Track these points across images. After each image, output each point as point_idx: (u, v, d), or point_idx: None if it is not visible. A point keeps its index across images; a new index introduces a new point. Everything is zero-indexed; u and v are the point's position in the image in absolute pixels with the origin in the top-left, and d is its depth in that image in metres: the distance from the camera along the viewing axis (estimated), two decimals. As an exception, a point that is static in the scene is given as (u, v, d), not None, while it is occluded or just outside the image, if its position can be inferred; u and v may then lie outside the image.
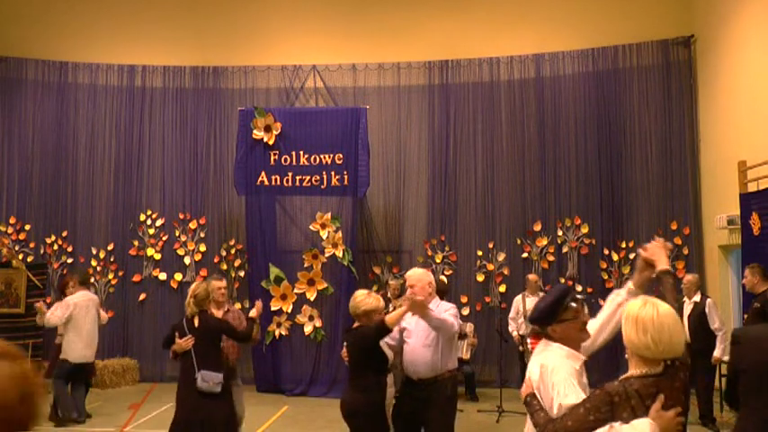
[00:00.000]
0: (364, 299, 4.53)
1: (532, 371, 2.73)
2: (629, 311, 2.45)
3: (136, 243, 10.82)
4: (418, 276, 4.68)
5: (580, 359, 2.78)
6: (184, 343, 5.26)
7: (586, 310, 2.87)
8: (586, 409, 2.39)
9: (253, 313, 5.82)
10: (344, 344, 4.69)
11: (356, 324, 4.55)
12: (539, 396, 2.66)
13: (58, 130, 10.99)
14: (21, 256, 10.43)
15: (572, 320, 2.78)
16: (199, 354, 5.24)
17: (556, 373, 2.62)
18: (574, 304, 2.78)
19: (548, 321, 2.80)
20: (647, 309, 2.42)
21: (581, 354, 2.80)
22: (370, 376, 4.41)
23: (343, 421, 4.50)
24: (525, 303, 8.79)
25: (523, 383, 2.79)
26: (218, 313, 5.95)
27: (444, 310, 4.60)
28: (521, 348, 8.70)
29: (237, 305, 8.45)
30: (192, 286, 5.48)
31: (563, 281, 10.16)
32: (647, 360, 2.39)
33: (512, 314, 9.05)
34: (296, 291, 9.90)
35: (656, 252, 2.98)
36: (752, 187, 7.98)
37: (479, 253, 10.43)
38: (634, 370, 2.42)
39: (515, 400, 8.76)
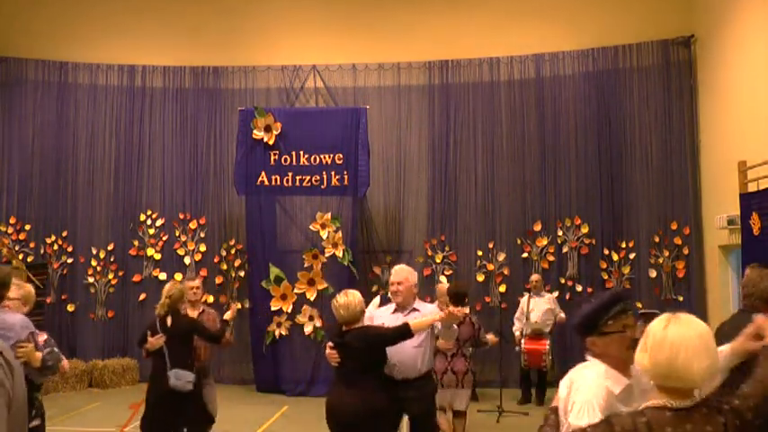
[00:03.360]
0: (356, 299, 4.42)
1: (562, 385, 2.43)
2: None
3: (136, 243, 10.82)
4: (405, 275, 4.75)
5: (622, 382, 2.33)
6: (155, 341, 5.41)
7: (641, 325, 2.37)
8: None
9: (227, 315, 5.99)
10: (330, 344, 4.49)
11: (348, 327, 4.38)
12: (561, 413, 2.37)
13: (58, 130, 10.98)
14: (21, 256, 10.42)
15: (617, 334, 2.35)
16: (171, 352, 5.38)
17: (581, 392, 2.30)
18: (624, 315, 2.31)
19: (587, 331, 2.40)
20: (660, 323, 2.00)
21: (627, 376, 2.35)
22: (375, 379, 4.33)
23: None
24: (530, 304, 8.81)
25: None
26: (193, 313, 6.04)
27: (429, 311, 4.76)
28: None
29: (238, 305, 8.40)
30: (167, 286, 5.62)
31: (563, 281, 10.19)
32: (670, 389, 1.93)
33: (517, 314, 9.06)
34: (296, 291, 9.90)
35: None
36: (752, 187, 7.97)
37: (479, 253, 10.43)
38: (655, 399, 1.96)
39: (515, 400, 8.82)
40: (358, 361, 4.29)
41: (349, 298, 4.40)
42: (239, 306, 9.17)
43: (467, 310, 6.25)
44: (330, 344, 4.45)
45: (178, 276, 10.68)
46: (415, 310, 4.73)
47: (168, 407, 5.36)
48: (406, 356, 4.50)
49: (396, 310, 4.75)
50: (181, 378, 5.33)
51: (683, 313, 2.06)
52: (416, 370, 4.59)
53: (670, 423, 1.86)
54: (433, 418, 4.87)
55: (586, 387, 2.30)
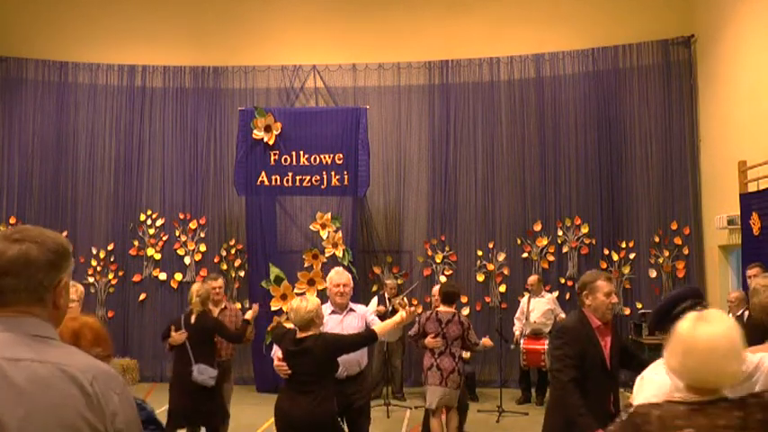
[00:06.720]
0: (309, 305, 4.20)
1: (636, 380, 2.50)
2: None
3: (136, 243, 10.81)
4: (348, 277, 5.10)
5: None
6: (178, 337, 5.68)
7: None
8: (611, 430, 2.02)
9: (248, 315, 6.23)
10: (280, 355, 4.29)
11: (304, 333, 4.16)
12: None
13: (58, 130, 10.97)
14: (21, 256, 10.41)
15: None
16: (194, 348, 5.63)
17: (645, 388, 2.39)
18: (691, 313, 2.17)
19: (658, 328, 2.50)
20: (688, 323, 1.96)
21: None
22: (329, 386, 4.21)
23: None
24: (530, 304, 8.82)
25: None
26: (215, 311, 6.26)
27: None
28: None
29: (237, 305, 8.43)
30: (196, 286, 5.93)
31: (563, 281, 10.18)
32: (698, 388, 1.91)
33: (518, 314, 9.07)
34: (296, 291, 9.88)
35: None
36: (752, 187, 7.98)
37: (479, 253, 10.43)
38: (680, 394, 1.95)
39: (515, 399, 8.82)
40: (315, 368, 4.12)
41: (302, 303, 4.21)
42: (240, 306, 9.17)
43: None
44: (280, 355, 4.27)
45: (178, 276, 10.71)
46: (351, 311, 4.97)
47: (188, 401, 5.57)
48: (351, 356, 4.57)
49: (333, 312, 4.90)
50: (203, 373, 5.54)
51: (712, 311, 2.04)
52: (359, 366, 4.82)
53: (681, 416, 1.85)
54: (369, 408, 5.06)
55: (653, 382, 2.35)
